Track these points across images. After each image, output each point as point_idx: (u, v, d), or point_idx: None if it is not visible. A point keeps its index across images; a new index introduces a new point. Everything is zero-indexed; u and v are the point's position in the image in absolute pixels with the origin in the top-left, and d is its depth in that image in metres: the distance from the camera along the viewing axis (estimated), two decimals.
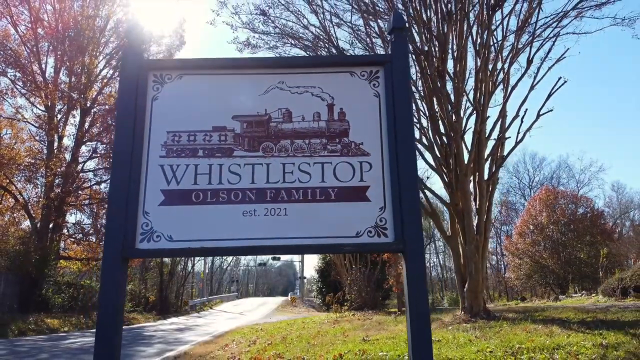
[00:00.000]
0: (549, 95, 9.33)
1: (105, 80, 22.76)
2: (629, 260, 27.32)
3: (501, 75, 9.80)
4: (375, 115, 2.48)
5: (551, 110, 9.18)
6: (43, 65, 21.28)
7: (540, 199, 29.66)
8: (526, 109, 9.37)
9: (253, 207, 2.31)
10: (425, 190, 10.89)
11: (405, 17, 9.75)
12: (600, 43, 72.02)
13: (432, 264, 51.08)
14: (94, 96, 22.19)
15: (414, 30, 9.77)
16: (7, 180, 18.83)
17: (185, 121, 2.44)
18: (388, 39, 2.77)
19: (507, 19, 9.93)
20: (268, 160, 2.40)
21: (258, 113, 2.47)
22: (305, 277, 51.56)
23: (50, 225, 20.18)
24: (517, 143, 9.45)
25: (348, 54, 11.24)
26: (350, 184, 2.37)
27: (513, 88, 9.66)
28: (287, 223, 2.30)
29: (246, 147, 2.42)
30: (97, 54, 22.62)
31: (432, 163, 9.96)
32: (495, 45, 9.88)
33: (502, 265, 41.63)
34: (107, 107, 22.58)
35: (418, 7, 9.46)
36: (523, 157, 65.41)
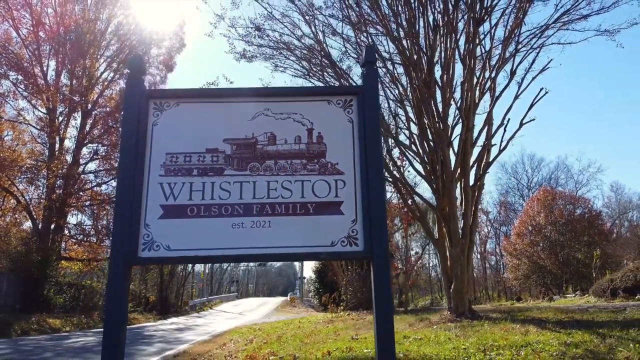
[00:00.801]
0: (531, 105, 9.69)
1: (106, 83, 22.92)
2: (626, 261, 27.48)
3: (488, 84, 10.14)
4: (349, 139, 2.82)
5: (533, 120, 9.57)
6: (44, 68, 21.42)
7: (539, 200, 29.76)
8: (509, 119, 9.77)
9: (241, 220, 2.64)
10: (414, 196, 11.28)
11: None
12: (598, 45, 72.34)
13: (431, 265, 51.20)
14: (95, 98, 22.35)
15: (404, 42, 10.10)
16: (9, 182, 19.05)
17: (181, 144, 2.77)
18: (361, 71, 3.09)
19: (494, 29, 10.30)
20: (254, 179, 2.73)
21: (246, 136, 2.81)
22: (304, 278, 51.84)
23: (52, 226, 20.41)
24: (500, 151, 9.86)
25: (340, 65, 11.62)
26: (327, 199, 2.71)
27: (497, 98, 10.02)
28: (271, 234, 2.64)
29: (235, 167, 2.76)
30: (98, 56, 22.77)
31: (421, 170, 10.31)
32: (483, 55, 10.25)
33: (501, 266, 41.77)
34: (107, 109, 22.73)
35: (408, 18, 9.79)
36: (522, 158, 65.86)
